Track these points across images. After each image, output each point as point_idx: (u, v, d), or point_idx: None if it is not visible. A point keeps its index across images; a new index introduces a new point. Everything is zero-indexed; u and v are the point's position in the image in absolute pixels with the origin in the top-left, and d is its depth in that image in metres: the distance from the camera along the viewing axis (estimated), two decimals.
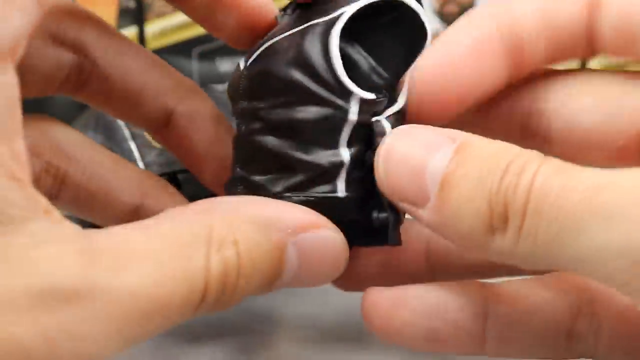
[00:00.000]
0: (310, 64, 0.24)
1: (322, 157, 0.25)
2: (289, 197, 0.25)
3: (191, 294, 0.21)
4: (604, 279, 0.20)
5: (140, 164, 0.34)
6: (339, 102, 0.24)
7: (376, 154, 0.24)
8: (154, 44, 0.49)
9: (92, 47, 0.27)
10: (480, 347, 0.25)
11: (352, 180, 0.25)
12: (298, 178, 0.25)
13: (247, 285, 0.22)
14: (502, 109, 0.26)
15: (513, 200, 0.20)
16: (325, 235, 0.24)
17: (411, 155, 0.23)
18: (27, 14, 0.21)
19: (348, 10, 0.25)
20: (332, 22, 0.24)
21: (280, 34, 0.25)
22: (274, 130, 0.25)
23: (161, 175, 0.33)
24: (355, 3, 0.25)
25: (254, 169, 0.25)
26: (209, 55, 0.49)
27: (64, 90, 0.28)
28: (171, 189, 0.29)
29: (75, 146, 0.28)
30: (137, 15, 0.48)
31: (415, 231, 0.28)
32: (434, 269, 0.28)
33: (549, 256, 0.20)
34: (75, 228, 0.21)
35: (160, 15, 0.48)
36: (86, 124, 0.37)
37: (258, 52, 0.25)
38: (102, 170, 0.28)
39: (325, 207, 0.25)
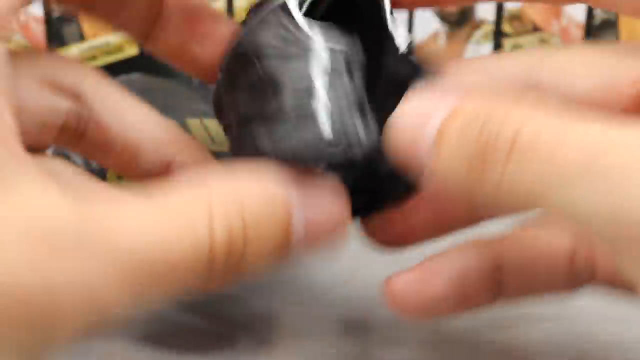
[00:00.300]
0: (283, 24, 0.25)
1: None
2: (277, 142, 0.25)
3: (197, 260, 0.21)
4: (593, 238, 0.20)
5: None
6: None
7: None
8: None
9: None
10: (498, 296, 0.28)
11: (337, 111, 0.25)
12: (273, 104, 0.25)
13: (255, 255, 0.22)
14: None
15: (495, 151, 0.21)
16: (326, 198, 0.24)
17: (413, 123, 0.23)
18: None
19: None
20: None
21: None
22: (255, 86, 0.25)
23: None
24: None
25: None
26: None
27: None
28: (202, 146, 0.29)
29: (108, 94, 0.28)
30: None
31: None
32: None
33: (531, 207, 0.21)
34: (68, 184, 0.20)
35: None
36: None
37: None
38: (130, 121, 0.28)
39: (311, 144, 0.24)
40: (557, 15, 0.50)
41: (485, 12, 0.50)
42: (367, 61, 0.26)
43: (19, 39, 0.42)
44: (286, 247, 0.23)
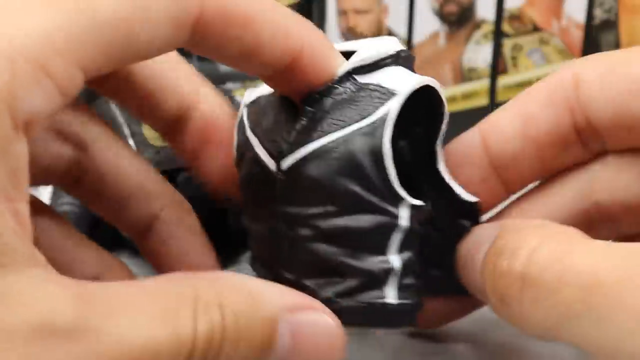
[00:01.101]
0: (364, 174, 0.24)
1: (372, 263, 0.25)
2: (338, 302, 0.25)
3: (179, 351, 0.21)
4: None
5: None
6: (391, 209, 0.24)
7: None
8: None
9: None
10: None
11: (404, 287, 0.25)
12: (347, 284, 0.25)
13: (233, 353, 0.22)
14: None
15: (510, 285, 0.23)
16: (321, 319, 0.24)
17: (469, 250, 0.25)
18: (49, 98, 0.21)
19: (391, 111, 0.24)
20: (376, 126, 0.24)
21: (318, 138, 0.24)
22: (326, 237, 0.25)
23: None
24: (394, 101, 0.24)
25: (303, 273, 0.25)
26: None
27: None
28: (189, 208, 0.29)
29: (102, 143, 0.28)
30: None
31: None
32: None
33: (549, 335, 0.22)
34: (72, 279, 0.21)
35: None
36: None
37: (295, 155, 0.25)
38: (127, 172, 0.28)
39: (375, 313, 0.25)
40: (557, 15, 0.50)
41: (485, 12, 0.50)
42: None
43: None
44: (268, 354, 0.23)
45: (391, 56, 0.25)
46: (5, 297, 0.20)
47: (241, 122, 0.26)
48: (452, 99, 0.52)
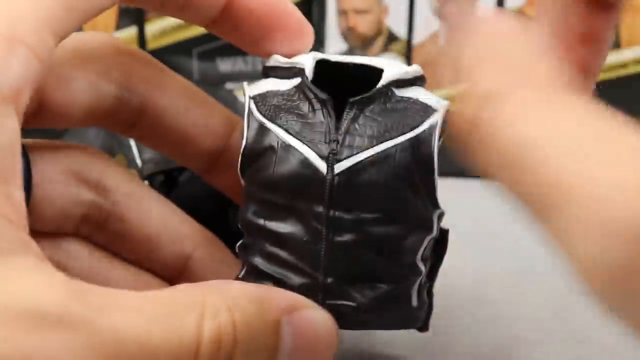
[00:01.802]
0: (414, 183, 0.25)
1: (406, 268, 0.26)
2: (374, 305, 0.25)
3: (181, 354, 0.21)
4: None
5: (138, 161, 0.34)
6: (431, 217, 0.26)
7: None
8: (154, 43, 0.49)
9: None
10: None
11: (421, 288, 0.27)
12: (385, 288, 0.25)
13: (244, 358, 0.22)
14: None
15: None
16: (316, 316, 0.24)
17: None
18: (27, 64, 0.21)
19: (438, 124, 0.25)
20: (426, 137, 0.25)
21: (374, 144, 0.25)
22: (371, 243, 0.25)
23: (158, 173, 0.33)
24: (436, 115, 0.25)
25: (342, 277, 0.25)
26: (209, 55, 0.49)
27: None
28: (220, 243, 0.29)
29: (122, 182, 0.28)
30: (137, 15, 0.48)
31: None
32: None
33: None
34: (66, 275, 0.21)
35: (161, 14, 0.48)
36: None
37: (352, 159, 0.25)
38: (151, 215, 0.28)
39: (403, 316, 0.26)
40: None
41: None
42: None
43: None
44: (274, 356, 0.23)
45: (421, 77, 0.27)
46: None
47: (250, 112, 0.26)
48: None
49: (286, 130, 0.25)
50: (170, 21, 0.48)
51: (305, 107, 0.25)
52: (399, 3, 0.48)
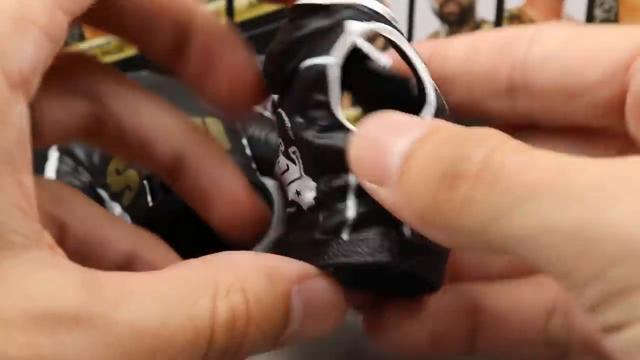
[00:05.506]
0: None
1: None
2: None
3: (197, 337, 0.21)
4: (545, 261, 0.19)
5: None
6: None
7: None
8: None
9: (106, 96, 0.27)
10: (472, 344, 0.27)
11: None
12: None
13: (257, 334, 0.22)
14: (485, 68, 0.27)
15: (466, 170, 0.20)
16: (324, 284, 0.24)
17: (379, 137, 0.23)
18: (39, 46, 0.21)
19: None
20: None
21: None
22: None
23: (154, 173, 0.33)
24: None
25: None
26: None
27: (81, 138, 0.28)
28: (162, 242, 0.29)
29: (72, 198, 0.27)
30: None
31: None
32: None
33: (493, 231, 0.20)
34: (79, 265, 0.21)
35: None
36: None
37: None
38: (97, 221, 0.28)
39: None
40: (557, 15, 0.50)
41: (485, 12, 0.50)
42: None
43: None
44: (285, 329, 0.23)
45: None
46: (3, 283, 0.19)
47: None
48: None
49: None
50: None
51: None
52: (399, 3, 0.48)
